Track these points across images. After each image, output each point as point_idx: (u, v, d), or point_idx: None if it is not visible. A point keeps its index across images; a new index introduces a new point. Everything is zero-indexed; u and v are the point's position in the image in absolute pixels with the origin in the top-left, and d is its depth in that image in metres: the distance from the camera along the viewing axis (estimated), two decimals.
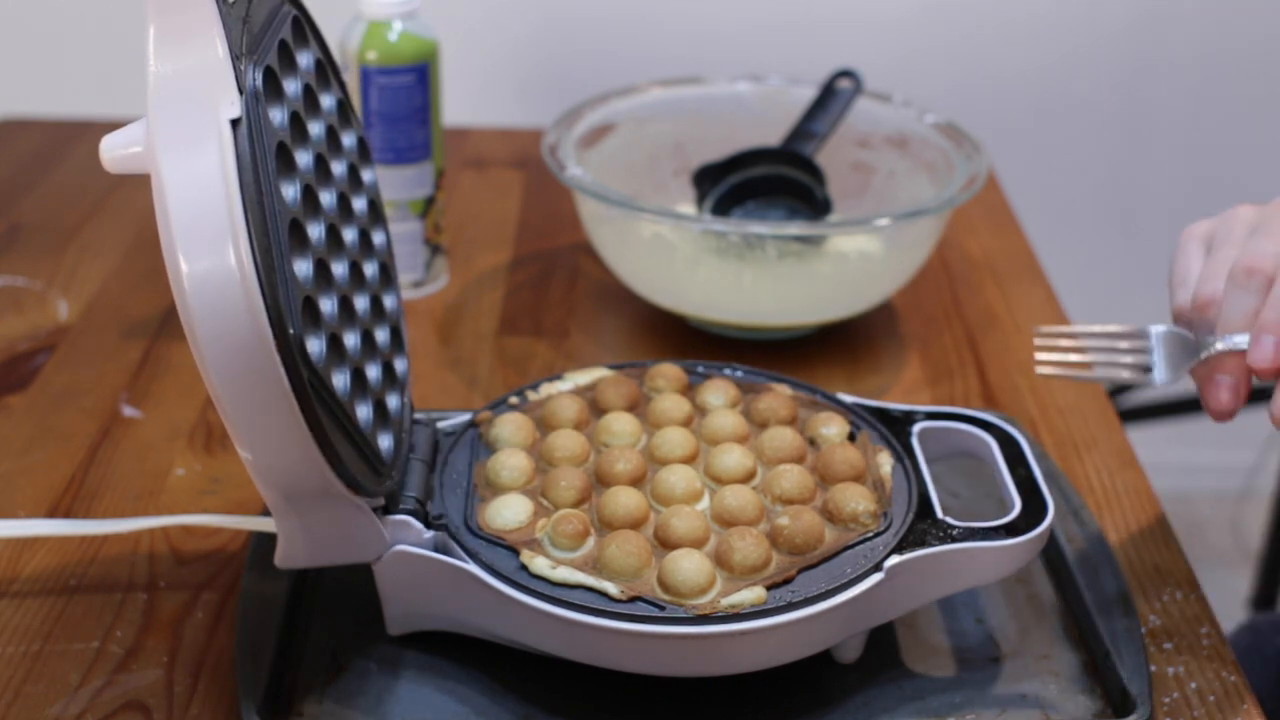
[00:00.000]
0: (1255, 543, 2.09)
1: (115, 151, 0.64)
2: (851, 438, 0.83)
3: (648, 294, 1.13)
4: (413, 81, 1.11)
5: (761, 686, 0.76)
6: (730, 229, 1.07)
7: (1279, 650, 1.08)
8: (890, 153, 1.22)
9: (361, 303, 0.77)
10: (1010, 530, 0.75)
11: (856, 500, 0.76)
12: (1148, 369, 0.79)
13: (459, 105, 1.51)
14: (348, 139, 0.81)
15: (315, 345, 0.67)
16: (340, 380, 0.70)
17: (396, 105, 1.11)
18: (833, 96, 1.20)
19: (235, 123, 0.62)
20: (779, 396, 0.86)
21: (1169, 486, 1.18)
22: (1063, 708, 0.76)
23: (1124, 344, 0.80)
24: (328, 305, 0.70)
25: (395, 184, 1.13)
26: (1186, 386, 2.00)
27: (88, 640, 0.80)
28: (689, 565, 0.71)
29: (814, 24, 1.90)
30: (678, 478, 0.78)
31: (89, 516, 0.91)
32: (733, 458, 0.80)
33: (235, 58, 0.64)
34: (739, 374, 0.90)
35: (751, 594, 0.71)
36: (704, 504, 0.78)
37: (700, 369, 0.90)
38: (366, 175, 0.84)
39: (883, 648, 0.78)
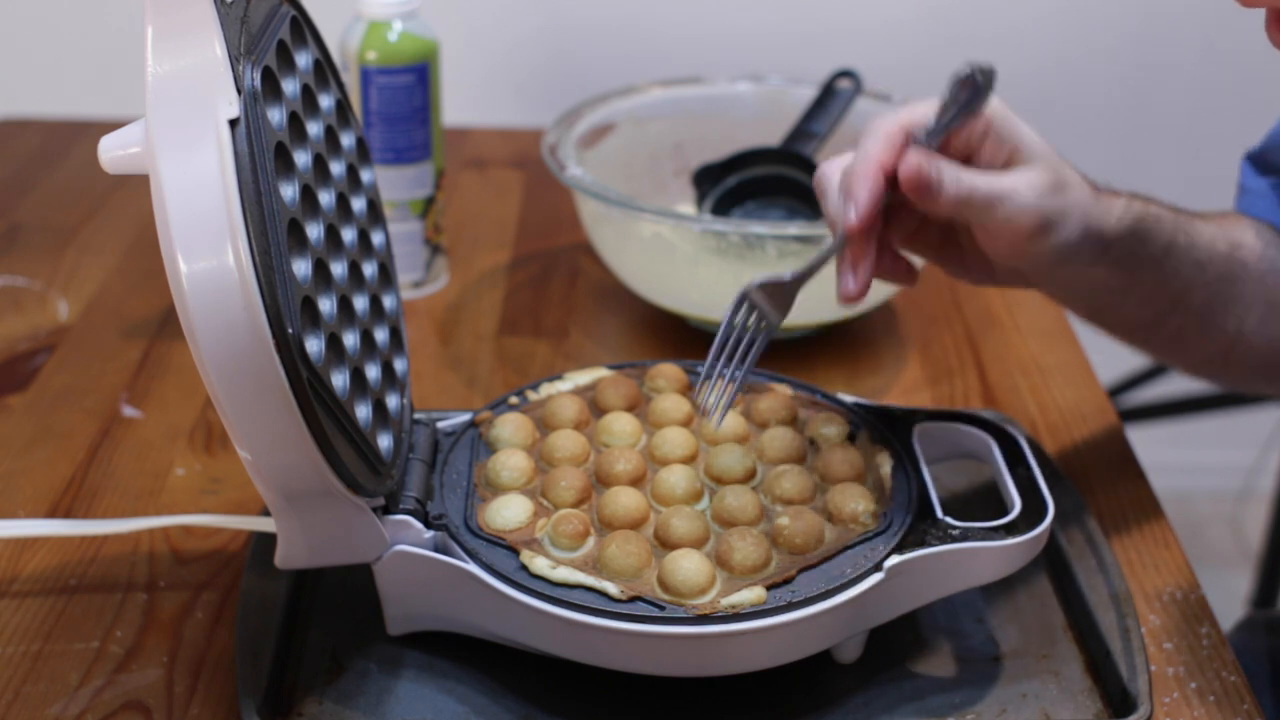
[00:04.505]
0: (1255, 543, 2.09)
1: (114, 152, 0.64)
2: (851, 438, 0.83)
3: (648, 294, 1.13)
4: (413, 81, 1.11)
5: (761, 686, 0.76)
6: (730, 229, 1.07)
7: (1272, 647, 1.08)
8: None
9: (361, 303, 0.77)
10: (1010, 530, 0.75)
11: (856, 500, 0.76)
12: (769, 324, 0.78)
13: (459, 105, 1.51)
14: (346, 139, 0.81)
15: (314, 345, 0.67)
16: (339, 380, 0.70)
17: (396, 105, 1.11)
18: (833, 97, 1.19)
19: (234, 123, 0.62)
20: (779, 396, 0.86)
21: (1169, 486, 1.17)
22: (1063, 708, 0.75)
23: (740, 333, 0.78)
24: (326, 305, 0.70)
25: (395, 184, 1.13)
26: (1186, 387, 2.01)
27: (88, 640, 0.80)
28: (689, 565, 0.71)
29: (814, 25, 1.89)
30: (678, 478, 0.78)
31: (89, 516, 0.91)
32: (733, 458, 0.80)
33: (233, 58, 0.64)
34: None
35: (751, 594, 0.71)
36: (704, 504, 0.78)
37: (700, 369, 0.90)
38: (365, 175, 0.84)
39: (883, 648, 0.78)
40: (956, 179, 0.74)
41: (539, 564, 0.73)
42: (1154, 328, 0.92)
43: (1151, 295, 0.88)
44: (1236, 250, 0.90)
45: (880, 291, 1.11)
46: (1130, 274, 0.85)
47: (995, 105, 0.76)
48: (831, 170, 0.79)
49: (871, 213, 0.73)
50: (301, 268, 0.68)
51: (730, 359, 0.76)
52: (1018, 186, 0.76)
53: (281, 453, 0.66)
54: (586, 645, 0.72)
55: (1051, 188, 0.77)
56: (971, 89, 0.73)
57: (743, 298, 0.76)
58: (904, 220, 0.81)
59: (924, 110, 0.76)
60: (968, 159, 0.77)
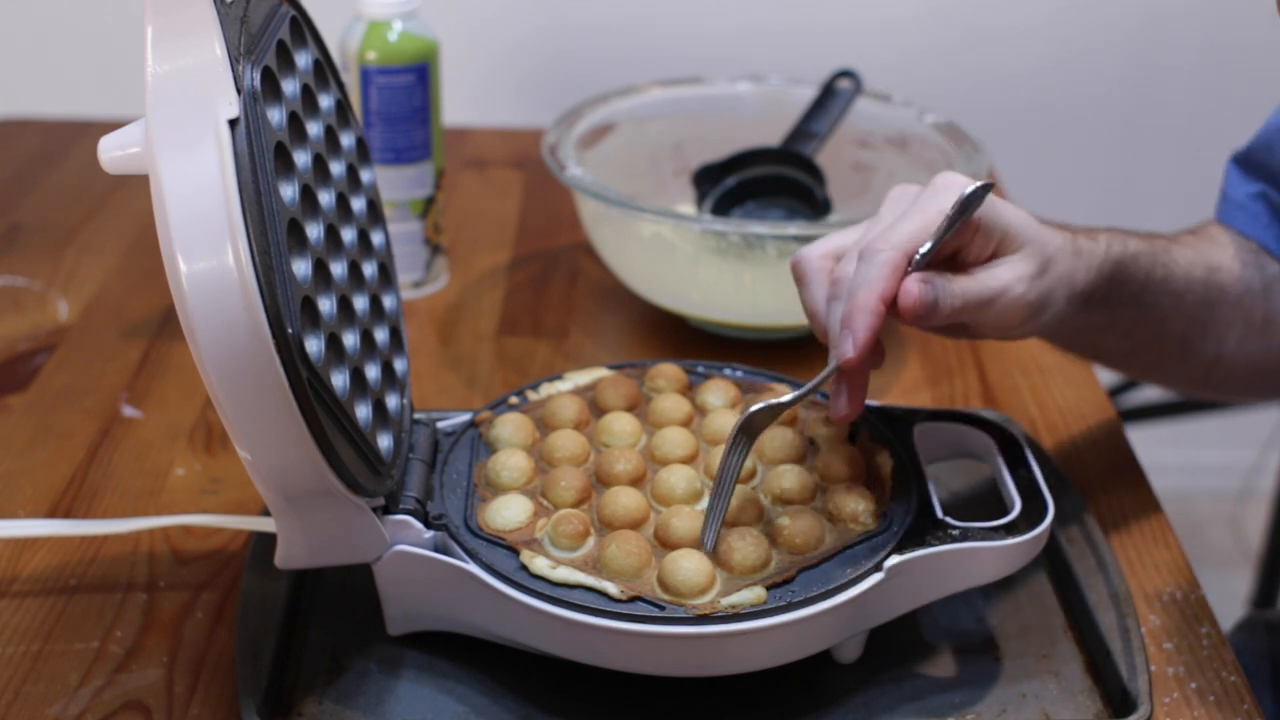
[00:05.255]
0: (1255, 543, 2.09)
1: (113, 152, 0.64)
2: (851, 438, 0.83)
3: (648, 294, 1.13)
4: (413, 81, 1.11)
5: (761, 686, 0.76)
6: (730, 229, 1.07)
7: (1272, 647, 1.08)
8: (890, 153, 1.22)
9: (360, 303, 0.77)
10: (1010, 530, 0.75)
11: (856, 500, 0.76)
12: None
13: (459, 105, 1.51)
14: (346, 139, 0.81)
15: (314, 345, 0.67)
16: (339, 380, 0.70)
17: (396, 105, 1.11)
18: (833, 96, 1.19)
19: (233, 123, 0.62)
20: (779, 397, 0.86)
21: (1169, 486, 1.18)
22: (1063, 708, 0.75)
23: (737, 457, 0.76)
24: (326, 305, 0.70)
25: (395, 184, 1.13)
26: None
27: (88, 640, 0.80)
28: (689, 565, 0.71)
29: (814, 24, 1.90)
30: (678, 478, 0.78)
31: (89, 516, 0.91)
32: None
33: (233, 58, 0.64)
34: (739, 374, 0.90)
35: (751, 594, 0.71)
36: (704, 504, 0.78)
37: (700, 369, 0.90)
38: (365, 175, 0.84)
39: (883, 648, 0.78)
40: (949, 293, 0.74)
41: (539, 564, 0.73)
42: (1133, 357, 0.92)
43: (1130, 330, 0.88)
44: (1214, 274, 0.90)
45: None
46: (1108, 314, 0.85)
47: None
48: (811, 258, 0.78)
49: (870, 346, 0.73)
50: (301, 268, 0.68)
51: (726, 480, 0.75)
52: (1008, 283, 0.76)
53: (281, 453, 0.66)
54: (586, 645, 0.72)
55: (1038, 273, 0.77)
56: (970, 203, 0.73)
57: (742, 427, 0.75)
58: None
59: (921, 226, 0.74)
60: (957, 251, 0.77)
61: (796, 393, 0.76)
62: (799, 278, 0.78)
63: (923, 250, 0.74)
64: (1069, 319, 0.82)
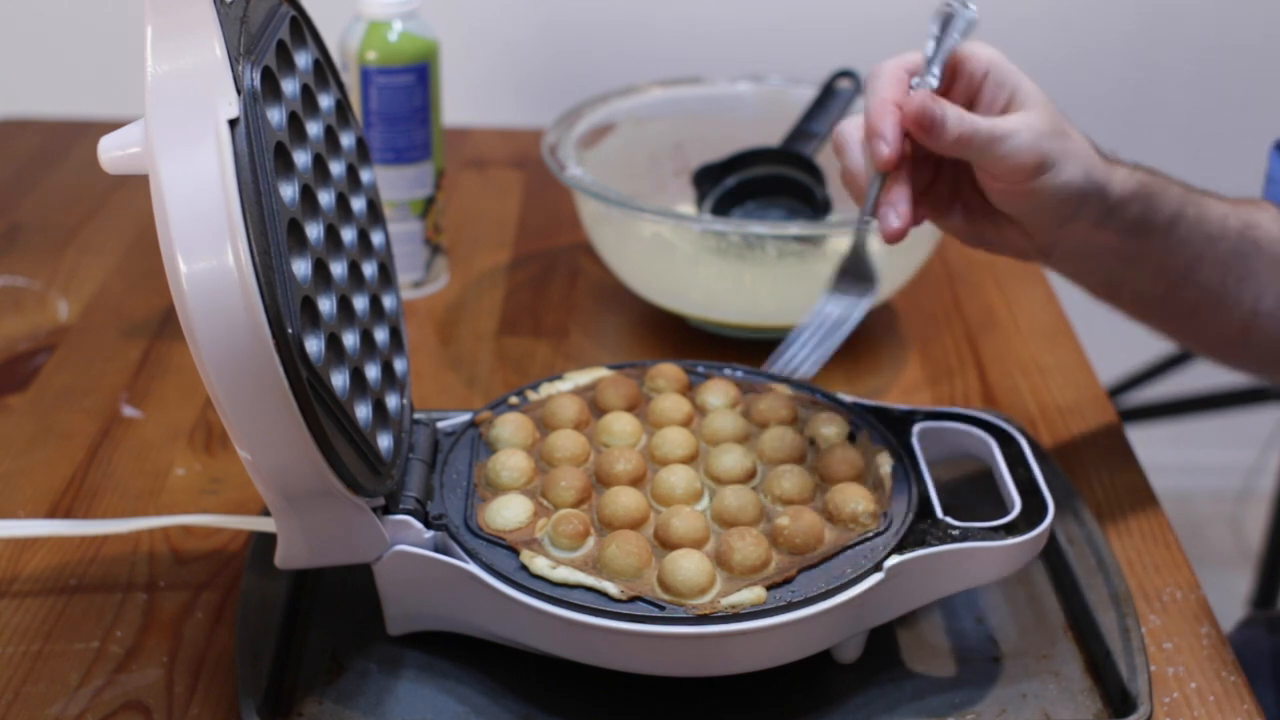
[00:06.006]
0: (1255, 543, 2.09)
1: (113, 152, 0.64)
2: (851, 438, 0.83)
3: (648, 294, 1.13)
4: (413, 81, 1.11)
5: (761, 686, 0.76)
6: (730, 229, 1.07)
7: (1274, 647, 1.08)
8: None
9: (360, 303, 0.77)
10: (1010, 530, 0.75)
11: (856, 500, 0.76)
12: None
13: (459, 105, 1.51)
14: (346, 139, 0.81)
15: (314, 345, 0.67)
16: (339, 380, 0.70)
17: (396, 105, 1.11)
18: (833, 96, 1.19)
19: (233, 123, 0.62)
20: (779, 396, 0.86)
21: (1169, 486, 1.18)
22: (1063, 708, 0.75)
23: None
24: (326, 305, 0.70)
25: (395, 184, 1.13)
26: (1187, 387, 2.01)
27: (88, 640, 0.80)
28: (689, 565, 0.71)
29: (814, 24, 1.89)
30: (678, 478, 0.78)
31: (89, 516, 0.91)
32: (733, 458, 0.80)
33: (233, 58, 0.64)
34: (739, 374, 0.90)
35: (751, 594, 0.71)
36: (704, 504, 0.78)
37: (700, 369, 0.90)
38: (365, 175, 0.84)
39: (883, 648, 0.78)
40: (959, 117, 0.79)
41: (539, 564, 0.73)
42: (1167, 303, 0.91)
43: (1162, 266, 0.88)
44: (1250, 230, 0.90)
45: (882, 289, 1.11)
46: (1139, 242, 0.86)
47: (993, 53, 0.82)
48: (850, 128, 0.83)
49: (900, 144, 0.78)
50: (301, 268, 0.68)
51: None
52: (1018, 126, 0.80)
53: (281, 453, 0.66)
54: (586, 645, 0.72)
55: (1051, 131, 0.81)
56: (949, 15, 0.80)
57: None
58: (914, 178, 0.83)
59: (915, 55, 0.82)
60: (969, 105, 0.82)
61: (852, 245, 0.81)
62: (838, 147, 0.83)
63: (917, 80, 0.80)
64: (1095, 235, 0.84)
